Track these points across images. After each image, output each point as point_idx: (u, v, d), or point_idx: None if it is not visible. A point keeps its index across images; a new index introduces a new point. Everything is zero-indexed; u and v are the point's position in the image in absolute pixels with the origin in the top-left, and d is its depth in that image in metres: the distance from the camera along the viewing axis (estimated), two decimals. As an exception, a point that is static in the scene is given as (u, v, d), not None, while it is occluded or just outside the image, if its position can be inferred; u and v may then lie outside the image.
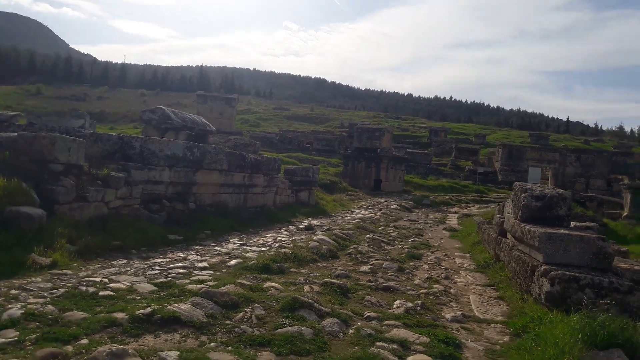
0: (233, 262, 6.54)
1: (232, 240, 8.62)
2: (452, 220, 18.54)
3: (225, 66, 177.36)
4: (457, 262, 8.63)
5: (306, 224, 11.65)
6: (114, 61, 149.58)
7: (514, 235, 6.53)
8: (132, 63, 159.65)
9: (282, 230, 10.24)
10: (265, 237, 9.31)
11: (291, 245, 7.93)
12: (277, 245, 8.18)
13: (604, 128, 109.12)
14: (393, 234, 11.75)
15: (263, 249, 7.79)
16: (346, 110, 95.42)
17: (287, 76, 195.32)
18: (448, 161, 42.65)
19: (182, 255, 6.83)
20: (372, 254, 8.31)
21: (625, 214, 23.63)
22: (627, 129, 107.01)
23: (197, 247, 7.65)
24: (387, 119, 72.20)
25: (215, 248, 7.66)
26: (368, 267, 7.17)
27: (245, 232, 9.76)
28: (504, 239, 7.31)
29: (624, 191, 24.77)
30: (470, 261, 8.73)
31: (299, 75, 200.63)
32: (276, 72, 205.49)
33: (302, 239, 8.92)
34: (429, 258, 8.67)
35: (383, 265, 7.35)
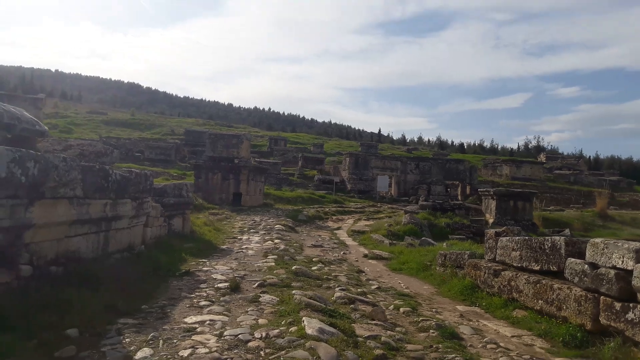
0: None
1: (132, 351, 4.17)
2: (349, 240, 15.69)
3: (22, 66, 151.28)
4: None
5: (219, 278, 7.43)
6: None
7: None
8: None
9: (201, 303, 5.85)
10: (187, 325, 4.98)
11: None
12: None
13: (395, 137, 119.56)
14: (343, 279, 8.19)
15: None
16: (169, 116, 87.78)
17: (96, 79, 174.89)
18: (295, 170, 40.37)
19: None
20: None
21: (492, 220, 23.76)
22: (408, 138, 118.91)
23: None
24: (218, 126, 67.62)
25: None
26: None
27: (139, 314, 5.28)
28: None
29: (488, 198, 25.01)
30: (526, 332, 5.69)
31: (110, 79, 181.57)
32: (83, 74, 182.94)
33: (276, 332, 4.77)
34: (478, 340, 5.27)
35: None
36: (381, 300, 6.76)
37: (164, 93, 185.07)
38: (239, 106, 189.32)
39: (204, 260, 9.23)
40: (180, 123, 65.61)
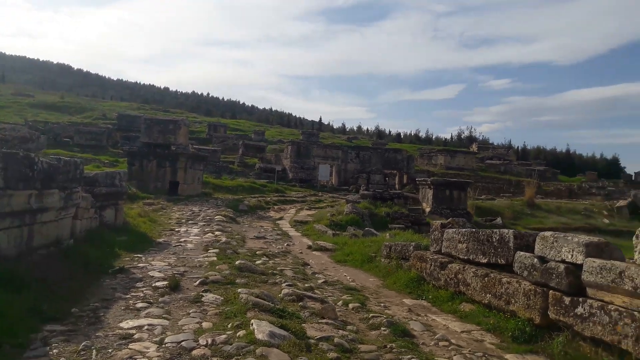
0: None
1: None
2: (292, 230, 15.47)
3: None
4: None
5: (157, 275, 6.97)
6: None
7: None
8: None
9: (138, 305, 5.39)
10: (124, 332, 4.55)
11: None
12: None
13: (335, 126, 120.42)
14: (288, 273, 7.94)
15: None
16: (101, 100, 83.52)
17: (23, 59, 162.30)
18: (235, 158, 39.59)
19: None
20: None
21: (428, 209, 24.29)
22: (347, 127, 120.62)
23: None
24: (153, 111, 65.06)
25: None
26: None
27: (68, 319, 4.79)
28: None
29: (425, 187, 25.53)
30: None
31: (38, 60, 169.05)
32: (7, 53, 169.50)
33: (223, 338, 4.40)
34: (430, 337, 5.17)
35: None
36: (329, 296, 6.58)
37: (97, 75, 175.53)
38: (176, 90, 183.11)
39: (139, 255, 8.69)
40: (113, 107, 62.59)
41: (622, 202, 35.60)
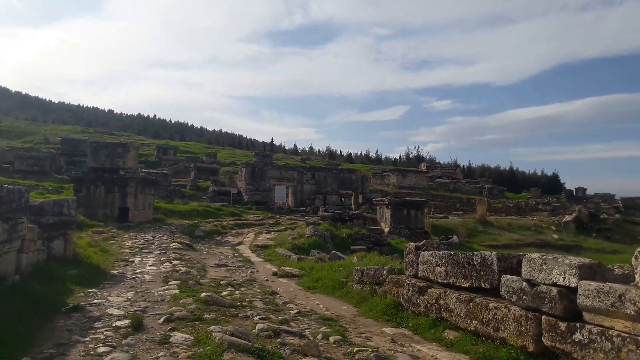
0: None
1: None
2: (254, 256, 14.95)
3: None
4: None
5: (116, 313, 6.37)
6: None
7: None
8: None
9: (99, 349, 4.80)
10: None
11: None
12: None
13: (287, 147, 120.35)
14: (258, 304, 7.49)
15: None
16: (42, 123, 79.84)
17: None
18: (187, 182, 38.50)
19: None
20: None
21: (387, 229, 24.28)
22: (299, 148, 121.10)
23: None
24: (98, 134, 62.76)
25: None
26: None
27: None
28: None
29: (382, 207, 25.55)
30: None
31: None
32: None
33: None
34: None
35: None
36: (306, 328, 6.19)
37: (36, 98, 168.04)
38: (121, 112, 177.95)
39: (93, 290, 8.00)
40: (56, 131, 59.89)
41: (568, 217, 37.05)
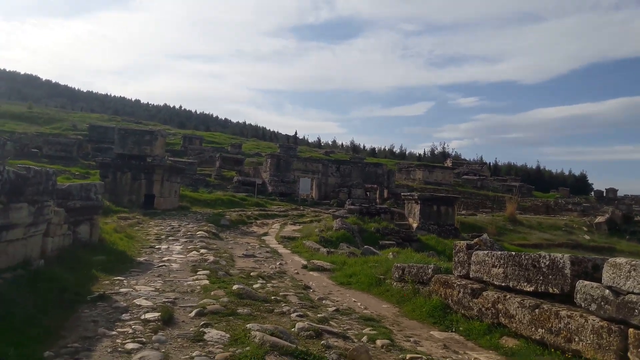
0: None
1: None
2: (280, 247, 14.52)
3: None
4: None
5: (145, 305, 5.97)
6: None
7: None
8: None
9: (128, 346, 4.34)
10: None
11: None
12: None
13: (310, 140, 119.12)
14: (293, 299, 7.02)
15: None
16: (71, 111, 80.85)
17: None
18: (212, 171, 38.35)
19: None
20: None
21: (415, 225, 23.63)
22: (323, 142, 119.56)
23: None
24: (125, 122, 63.18)
25: None
26: None
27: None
28: None
29: (411, 202, 24.87)
30: None
31: (4, 70, 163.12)
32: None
33: None
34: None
35: None
36: (348, 329, 5.69)
37: (65, 86, 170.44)
38: (148, 102, 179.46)
39: (120, 278, 7.64)
40: (84, 118, 60.47)
41: (600, 219, 35.76)
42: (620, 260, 4.25)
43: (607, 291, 4.27)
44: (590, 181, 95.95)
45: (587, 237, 31.76)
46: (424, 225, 23.18)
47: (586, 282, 4.52)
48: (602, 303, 4.29)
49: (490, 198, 49.28)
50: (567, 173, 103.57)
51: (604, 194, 58.20)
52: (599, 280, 4.54)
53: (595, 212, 41.30)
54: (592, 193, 63.40)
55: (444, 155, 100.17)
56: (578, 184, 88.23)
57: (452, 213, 24.73)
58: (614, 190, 57.97)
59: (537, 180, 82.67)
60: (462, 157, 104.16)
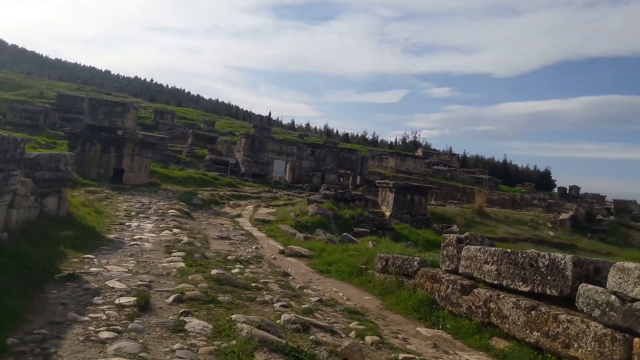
0: None
1: None
2: (255, 230, 14.18)
3: None
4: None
5: (118, 287, 5.57)
6: None
7: None
8: None
9: (102, 335, 4.00)
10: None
11: None
12: None
13: (284, 122, 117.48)
14: (274, 287, 6.73)
15: None
16: (38, 78, 77.53)
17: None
18: (184, 148, 37.45)
19: None
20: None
21: (388, 213, 23.57)
22: (297, 124, 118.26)
23: None
24: (94, 93, 61.06)
25: None
26: None
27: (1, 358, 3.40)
28: None
29: (385, 190, 24.77)
30: None
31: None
32: None
33: None
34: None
35: None
36: (334, 322, 5.44)
37: (33, 52, 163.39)
38: (118, 74, 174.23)
39: (90, 256, 7.18)
40: (51, 86, 58.12)
41: (564, 216, 36.61)
42: (629, 264, 4.10)
43: (613, 297, 4.12)
44: (553, 177, 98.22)
45: (551, 233, 32.48)
46: (397, 213, 23.16)
47: (590, 286, 4.37)
48: (607, 309, 4.14)
49: (459, 189, 49.86)
50: (532, 168, 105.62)
51: (567, 191, 59.58)
52: (599, 283, 4.40)
53: (558, 209, 42.27)
54: (556, 189, 64.86)
55: (415, 144, 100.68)
56: (542, 180, 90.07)
57: (424, 203, 24.79)
58: (577, 188, 59.40)
59: (504, 174, 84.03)
60: (433, 148, 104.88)
